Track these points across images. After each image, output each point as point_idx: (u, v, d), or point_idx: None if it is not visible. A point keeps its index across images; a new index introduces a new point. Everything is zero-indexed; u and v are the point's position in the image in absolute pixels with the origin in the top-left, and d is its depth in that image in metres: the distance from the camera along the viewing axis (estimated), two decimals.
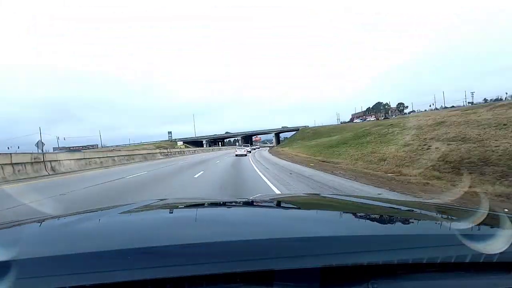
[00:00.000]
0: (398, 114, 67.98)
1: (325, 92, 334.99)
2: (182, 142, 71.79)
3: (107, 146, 71.18)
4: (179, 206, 1.37)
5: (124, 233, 0.81)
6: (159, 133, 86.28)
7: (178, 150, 34.17)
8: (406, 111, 79.61)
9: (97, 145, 72.84)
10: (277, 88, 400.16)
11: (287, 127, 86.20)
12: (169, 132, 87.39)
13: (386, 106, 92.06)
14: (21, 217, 1.13)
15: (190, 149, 42.50)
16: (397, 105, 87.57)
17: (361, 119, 74.71)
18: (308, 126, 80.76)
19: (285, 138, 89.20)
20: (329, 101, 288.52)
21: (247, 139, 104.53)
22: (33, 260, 0.59)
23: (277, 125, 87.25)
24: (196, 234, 0.77)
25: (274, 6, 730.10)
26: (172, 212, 1.20)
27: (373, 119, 65.12)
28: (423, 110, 63.82)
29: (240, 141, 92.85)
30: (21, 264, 0.57)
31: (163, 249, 0.65)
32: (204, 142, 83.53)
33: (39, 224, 0.95)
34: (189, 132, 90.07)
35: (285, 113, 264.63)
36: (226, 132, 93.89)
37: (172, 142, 71.29)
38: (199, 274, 0.56)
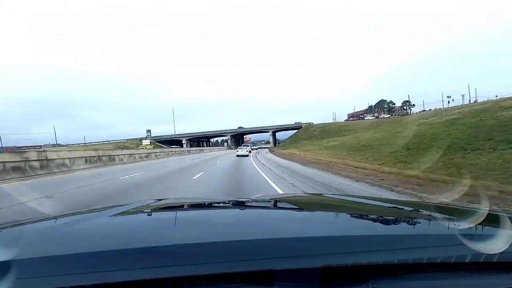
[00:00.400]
0: (406, 112, 71.62)
1: (325, 92, 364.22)
2: (149, 141, 54.99)
3: (54, 145, 63.27)
4: (179, 206, 1.41)
5: (123, 233, 0.86)
6: (153, 132, 77.88)
7: (91, 155, 16.94)
8: (412, 109, 79.85)
9: (41, 145, 55.93)
10: (276, 88, 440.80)
11: (285, 125, 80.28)
12: (148, 131, 79.16)
13: (391, 104, 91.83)
14: None
15: (143, 152, 25.29)
16: (402, 103, 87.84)
17: (373, 116, 73.88)
18: (312, 123, 74.59)
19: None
20: (329, 101, 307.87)
21: (238, 138, 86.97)
22: (33, 260, 0.61)
23: (273, 123, 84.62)
24: (196, 234, 0.82)
25: (274, 6, 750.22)
26: (172, 212, 1.24)
27: (388, 116, 67.06)
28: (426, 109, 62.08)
29: (229, 141, 76.89)
30: (21, 264, 0.58)
31: (163, 249, 0.68)
32: (184, 141, 68.79)
33: (39, 224, 1.01)
34: (186, 130, 79.52)
35: (284, 113, 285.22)
36: (210, 130, 76.44)
37: (138, 142, 54.25)
38: (199, 274, 0.58)
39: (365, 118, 70.89)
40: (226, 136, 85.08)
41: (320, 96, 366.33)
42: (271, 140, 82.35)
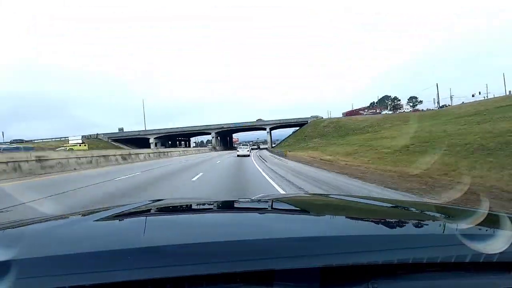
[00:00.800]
0: (410, 109, 74.54)
1: (325, 92, 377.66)
2: (80, 140, 37.63)
3: None
4: (179, 206, 1.43)
5: (123, 233, 0.91)
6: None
7: None
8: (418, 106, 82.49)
9: None
10: (276, 88, 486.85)
11: (287, 119, 68.79)
12: (120, 129, 67.67)
13: (395, 101, 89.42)
14: None
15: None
16: (408, 99, 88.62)
17: (391, 111, 72.98)
18: (322, 117, 64.95)
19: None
20: (329, 101, 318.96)
21: (226, 136, 68.21)
22: (33, 260, 0.64)
23: (270, 118, 74.11)
24: (196, 233, 0.87)
25: (274, 6, 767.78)
26: (172, 212, 1.28)
27: (408, 110, 69.09)
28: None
29: (214, 140, 62.24)
30: (21, 264, 0.61)
31: (163, 249, 0.71)
32: (152, 140, 56.35)
33: (39, 224, 1.06)
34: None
35: (284, 112, 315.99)
36: (189, 126, 58.83)
37: (64, 141, 38.62)
38: (199, 274, 0.61)
39: (382, 113, 69.30)
40: (211, 133, 68.55)
41: (320, 96, 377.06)
42: (268, 138, 72.09)
